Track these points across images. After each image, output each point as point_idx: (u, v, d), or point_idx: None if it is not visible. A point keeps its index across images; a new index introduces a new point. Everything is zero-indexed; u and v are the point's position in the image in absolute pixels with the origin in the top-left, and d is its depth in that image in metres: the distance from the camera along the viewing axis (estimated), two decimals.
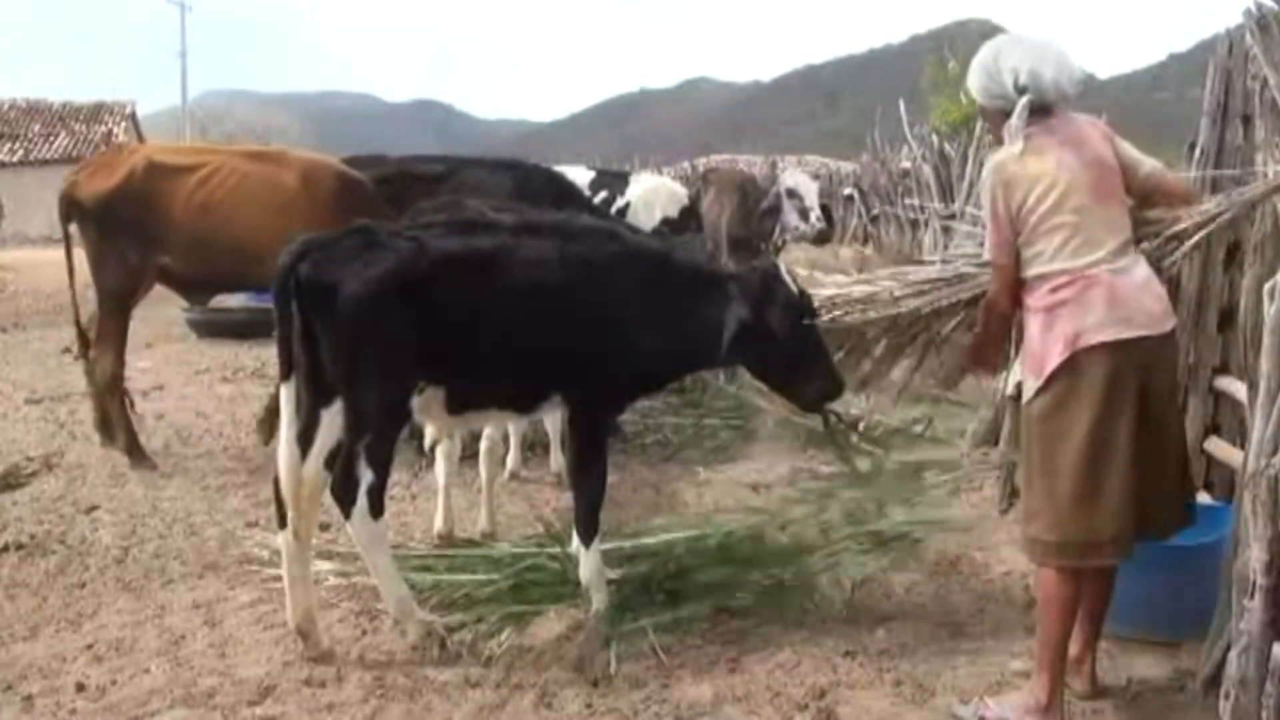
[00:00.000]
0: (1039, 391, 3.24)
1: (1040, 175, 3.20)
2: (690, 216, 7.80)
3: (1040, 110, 3.27)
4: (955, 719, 3.38)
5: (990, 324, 3.51)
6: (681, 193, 8.23)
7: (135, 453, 6.44)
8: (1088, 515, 3.17)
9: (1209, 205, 3.48)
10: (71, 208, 6.41)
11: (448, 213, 4.77)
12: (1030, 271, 3.27)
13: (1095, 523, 3.18)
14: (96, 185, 6.33)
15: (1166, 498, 3.31)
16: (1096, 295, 3.15)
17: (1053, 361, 3.18)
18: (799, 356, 4.02)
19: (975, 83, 3.40)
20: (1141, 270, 3.25)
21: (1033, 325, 3.29)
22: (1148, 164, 3.40)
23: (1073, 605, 3.28)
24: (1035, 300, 3.27)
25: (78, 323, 6.65)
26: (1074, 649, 3.43)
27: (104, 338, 6.46)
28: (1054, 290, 3.20)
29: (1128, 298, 3.17)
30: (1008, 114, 3.28)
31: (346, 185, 6.47)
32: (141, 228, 6.26)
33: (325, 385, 3.72)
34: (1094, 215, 3.20)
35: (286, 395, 3.77)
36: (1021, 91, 3.24)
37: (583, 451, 4.17)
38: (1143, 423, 3.17)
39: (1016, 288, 3.33)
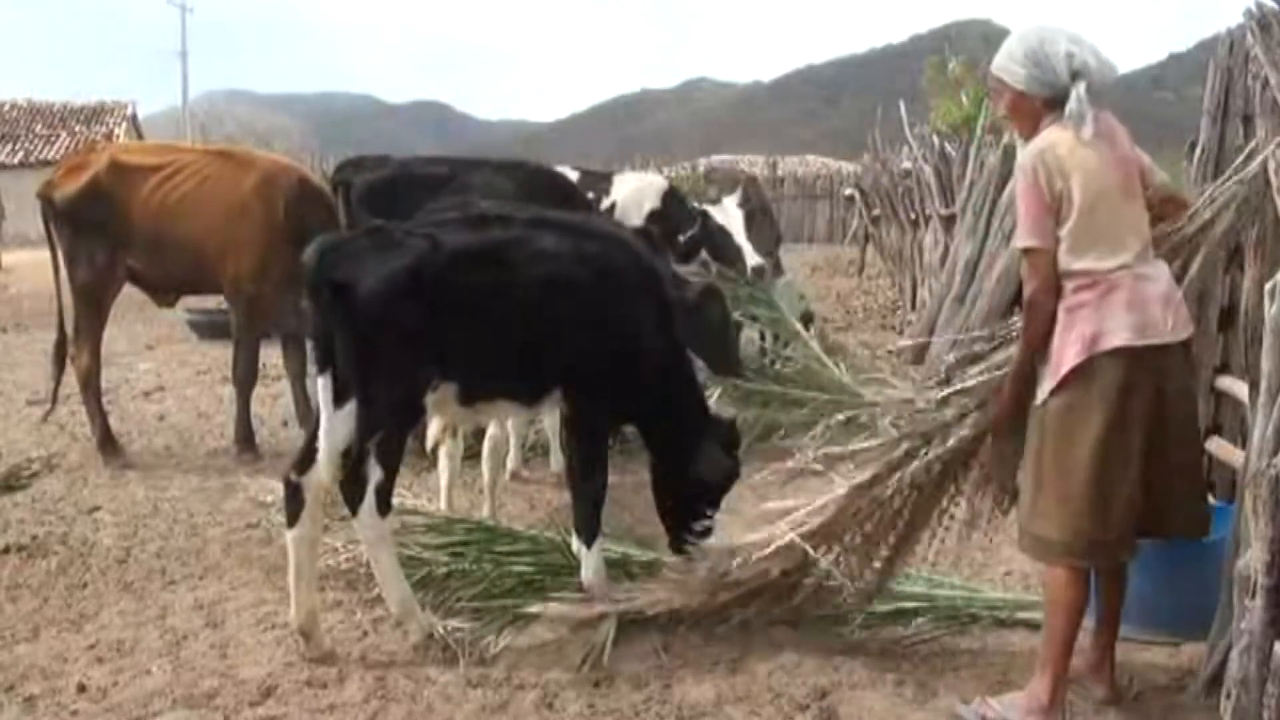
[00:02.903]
0: (1054, 391, 3.21)
1: (1087, 167, 3.15)
2: (671, 200, 7.90)
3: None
4: (957, 719, 3.38)
5: (1035, 328, 3.24)
6: (661, 182, 8.44)
7: (108, 446, 6.49)
8: (1099, 515, 3.17)
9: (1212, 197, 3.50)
10: (46, 208, 6.47)
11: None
12: (1058, 267, 3.20)
13: (1105, 523, 3.18)
14: (66, 186, 6.40)
15: (1178, 499, 3.29)
16: (1118, 299, 3.14)
17: (1069, 362, 3.16)
18: (702, 503, 4.25)
19: (1020, 72, 3.25)
20: (1163, 276, 3.24)
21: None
22: (1158, 173, 3.38)
23: (1080, 605, 3.27)
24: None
25: (61, 326, 6.67)
26: (1093, 654, 3.46)
27: (81, 336, 6.55)
28: (1076, 291, 3.17)
29: (1148, 303, 3.16)
30: (1053, 103, 3.22)
31: (306, 193, 6.50)
32: (106, 228, 6.33)
33: (339, 385, 3.72)
34: (1123, 216, 3.19)
35: (325, 390, 3.72)
36: (1075, 77, 3.17)
37: (582, 452, 4.19)
38: (1156, 426, 3.17)
39: (1056, 276, 3.18)
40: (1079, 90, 3.16)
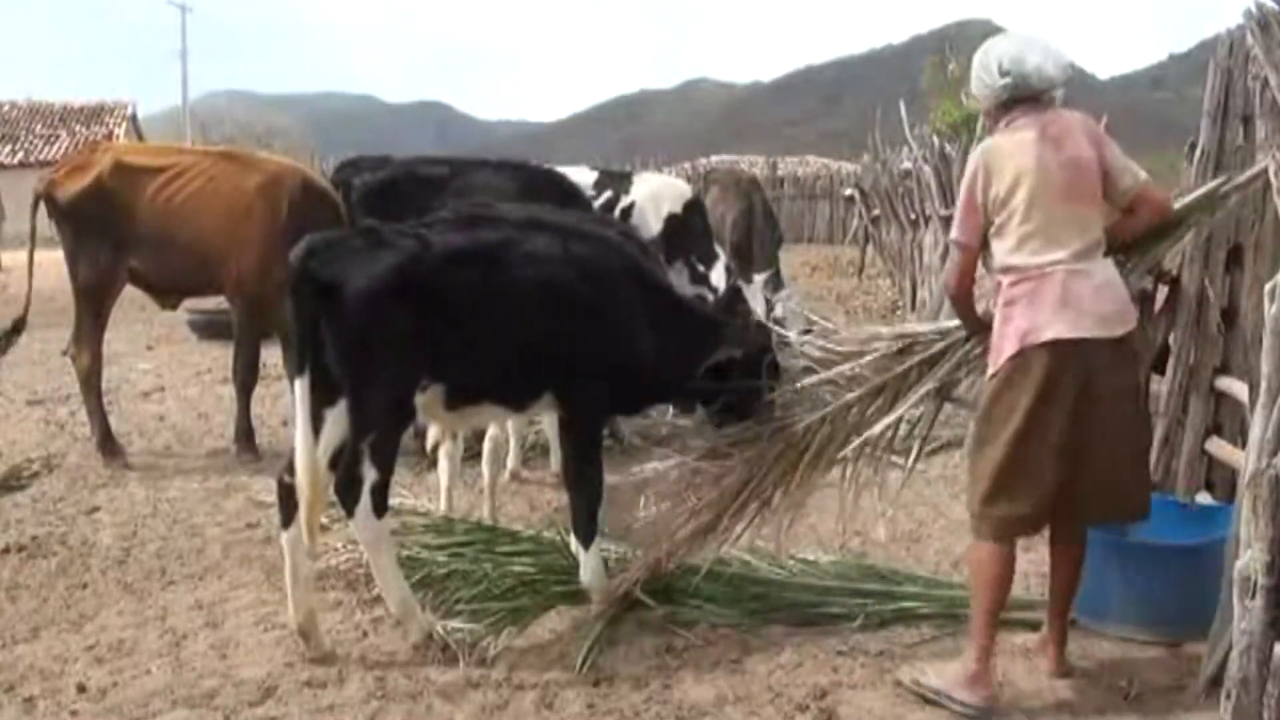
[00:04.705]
0: (990, 378, 3.41)
1: (1019, 168, 3.33)
2: (694, 211, 7.72)
3: (1028, 100, 3.39)
4: (898, 683, 3.51)
5: (956, 304, 3.65)
6: (685, 188, 8.06)
7: (108, 446, 6.49)
8: (1009, 493, 3.32)
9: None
10: (48, 207, 6.46)
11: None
12: (995, 263, 3.42)
13: (1013, 500, 3.33)
14: (70, 185, 6.39)
15: (1104, 492, 3.39)
16: (1050, 294, 3.28)
17: (1005, 354, 3.33)
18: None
19: (973, 80, 3.54)
20: (1102, 273, 3.35)
21: (995, 317, 3.43)
22: (1130, 175, 3.42)
23: (1001, 580, 3.41)
24: (998, 294, 3.42)
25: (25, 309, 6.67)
26: (1046, 630, 3.63)
27: (81, 336, 6.55)
28: (1012, 285, 3.35)
29: (1080, 298, 3.28)
30: (997, 106, 3.46)
31: (310, 194, 6.46)
32: (109, 229, 6.32)
33: (330, 385, 3.70)
34: (1061, 215, 3.32)
35: (301, 391, 3.65)
36: (1004, 76, 3.39)
37: (576, 454, 4.18)
38: (1080, 420, 3.28)
39: (971, 271, 3.48)
40: (999, 85, 3.40)
